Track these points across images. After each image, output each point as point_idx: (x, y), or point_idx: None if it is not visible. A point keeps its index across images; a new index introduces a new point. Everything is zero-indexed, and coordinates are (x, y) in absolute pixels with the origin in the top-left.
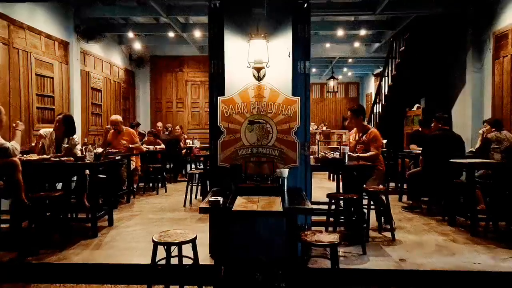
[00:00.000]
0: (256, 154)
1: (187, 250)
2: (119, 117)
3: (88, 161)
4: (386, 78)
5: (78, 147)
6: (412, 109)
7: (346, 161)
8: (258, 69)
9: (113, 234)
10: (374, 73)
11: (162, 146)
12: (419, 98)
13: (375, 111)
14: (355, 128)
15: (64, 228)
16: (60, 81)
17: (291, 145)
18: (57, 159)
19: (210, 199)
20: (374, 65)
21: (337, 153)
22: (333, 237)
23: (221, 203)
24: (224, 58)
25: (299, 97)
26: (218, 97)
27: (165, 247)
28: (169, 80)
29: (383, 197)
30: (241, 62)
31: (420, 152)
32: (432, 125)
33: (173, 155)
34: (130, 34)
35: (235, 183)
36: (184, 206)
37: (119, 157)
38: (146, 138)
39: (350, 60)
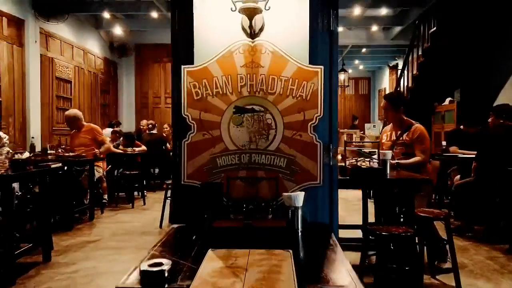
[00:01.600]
0: (247, 165)
1: None
2: (77, 112)
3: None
4: (409, 67)
5: (5, 149)
6: (444, 103)
7: (388, 172)
8: (251, 14)
9: (41, 281)
10: (390, 65)
11: (143, 148)
12: (453, 90)
13: None
14: (390, 125)
15: None
16: (10, 66)
17: (308, 149)
18: None
19: (142, 267)
20: (390, 56)
21: (374, 161)
22: None
23: (166, 274)
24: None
25: (321, 66)
26: (183, 67)
27: None
28: (157, 71)
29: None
30: (222, 5)
31: (469, 156)
32: (490, 120)
33: (158, 158)
34: (106, 14)
35: (208, 217)
36: (161, 226)
37: (58, 165)
38: (121, 140)
39: (364, 50)
